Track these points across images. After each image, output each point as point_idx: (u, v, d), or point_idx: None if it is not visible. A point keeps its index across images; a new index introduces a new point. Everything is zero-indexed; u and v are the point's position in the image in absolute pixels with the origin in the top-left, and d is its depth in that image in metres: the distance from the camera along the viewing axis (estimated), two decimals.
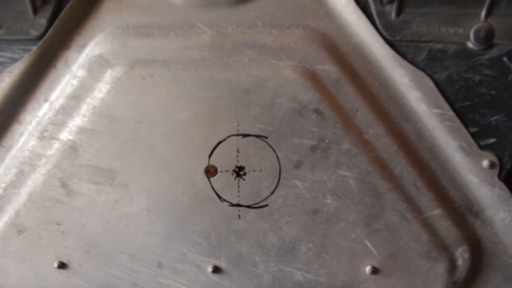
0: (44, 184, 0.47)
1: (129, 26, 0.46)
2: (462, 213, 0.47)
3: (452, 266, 0.47)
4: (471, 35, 0.43)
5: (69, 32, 0.46)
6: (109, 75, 0.45)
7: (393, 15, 0.43)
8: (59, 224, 0.48)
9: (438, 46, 0.44)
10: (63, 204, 0.47)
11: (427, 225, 0.46)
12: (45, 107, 0.47)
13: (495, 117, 0.45)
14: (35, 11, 0.44)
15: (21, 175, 0.47)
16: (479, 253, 0.48)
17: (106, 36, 0.46)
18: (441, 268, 0.47)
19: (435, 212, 0.46)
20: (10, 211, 0.48)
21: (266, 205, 0.46)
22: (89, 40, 0.46)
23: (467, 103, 0.45)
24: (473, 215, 0.47)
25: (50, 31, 0.45)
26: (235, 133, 0.45)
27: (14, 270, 0.49)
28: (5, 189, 0.48)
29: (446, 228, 0.46)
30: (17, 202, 0.47)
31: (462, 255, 0.47)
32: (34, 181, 0.47)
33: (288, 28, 0.45)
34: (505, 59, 0.43)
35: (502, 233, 0.47)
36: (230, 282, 0.48)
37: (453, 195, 0.47)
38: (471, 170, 0.46)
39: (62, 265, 0.49)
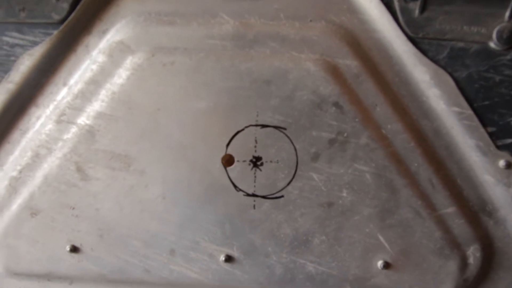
0: (60, 168, 0.47)
1: (151, 13, 0.46)
2: (476, 212, 0.47)
3: (464, 264, 0.47)
4: (494, 35, 0.43)
5: (90, 18, 0.46)
6: (129, 62, 0.45)
7: (417, 12, 0.43)
8: (73, 208, 0.48)
9: (460, 44, 0.44)
10: (78, 188, 0.47)
11: (441, 222, 0.46)
12: (63, 91, 0.47)
13: None
14: None
15: (36, 158, 0.47)
16: (490, 252, 0.48)
17: (127, 23, 0.46)
18: (452, 265, 0.47)
19: (449, 210, 0.46)
20: (24, 193, 0.48)
21: (282, 196, 0.46)
22: (110, 26, 0.46)
23: (486, 102, 0.45)
24: (486, 215, 0.47)
25: (72, 15, 0.45)
26: (254, 123, 0.45)
27: (26, 253, 0.49)
28: (20, 172, 0.48)
29: (459, 226, 0.47)
30: (32, 184, 0.47)
31: (474, 254, 0.47)
32: (49, 164, 0.47)
33: (310, 21, 0.45)
34: None
35: None
36: (242, 272, 0.48)
37: (467, 193, 0.47)
38: (487, 170, 0.46)
39: (74, 249, 0.49)
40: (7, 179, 0.48)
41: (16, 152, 0.48)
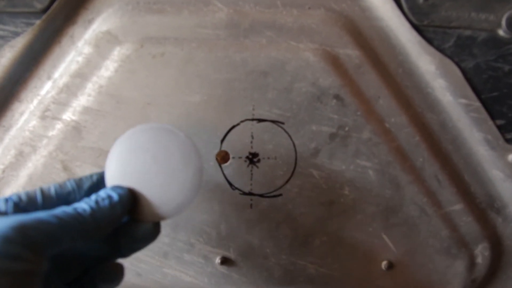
0: (45, 167, 0.44)
1: (140, 2, 0.43)
2: (484, 209, 0.45)
3: (472, 263, 0.45)
4: (503, 22, 0.41)
5: (75, 6, 0.44)
6: (117, 53, 0.43)
7: None
8: None
9: (467, 32, 0.42)
10: None
11: (447, 220, 0.45)
12: (48, 85, 0.45)
13: None
14: None
15: (20, 157, 0.45)
16: (499, 251, 0.46)
17: (115, 12, 0.43)
18: (460, 265, 0.45)
19: (456, 207, 0.44)
20: (8, 194, 0.45)
21: (280, 195, 0.44)
22: (96, 15, 0.44)
23: (495, 94, 0.43)
24: (494, 211, 0.45)
25: (55, 4, 0.42)
26: (250, 117, 0.43)
27: None
28: (3, 171, 0.45)
29: (467, 224, 0.45)
30: (16, 185, 0.45)
31: (482, 253, 0.45)
32: (34, 163, 0.45)
33: (309, 8, 0.43)
34: None
35: None
36: (239, 275, 0.46)
37: (475, 189, 0.45)
38: (495, 164, 0.44)
39: None
40: None
41: None
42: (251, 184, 0.44)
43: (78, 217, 0.31)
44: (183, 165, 0.36)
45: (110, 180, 0.36)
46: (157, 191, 0.35)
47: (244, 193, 0.44)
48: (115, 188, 0.35)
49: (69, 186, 0.35)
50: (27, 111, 0.45)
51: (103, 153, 0.44)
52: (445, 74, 0.42)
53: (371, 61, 0.43)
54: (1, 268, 0.26)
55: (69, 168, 0.45)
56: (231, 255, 0.46)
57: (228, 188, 0.44)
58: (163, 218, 0.36)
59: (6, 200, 0.32)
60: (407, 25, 0.42)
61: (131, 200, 0.35)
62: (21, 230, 0.27)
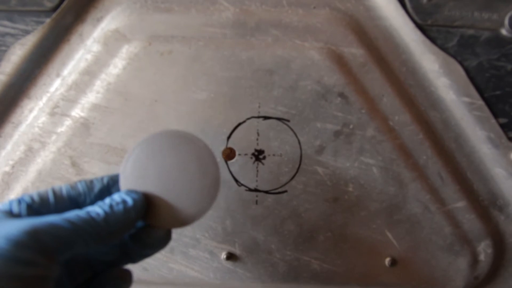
0: (54, 162, 0.45)
1: (148, 0, 0.44)
2: (486, 206, 0.46)
3: (474, 260, 0.46)
4: (506, 22, 0.41)
5: (84, 5, 0.44)
6: (125, 51, 0.43)
7: None
8: None
9: (470, 32, 0.42)
10: None
11: (450, 217, 0.45)
12: (57, 82, 0.45)
13: None
14: None
15: (29, 152, 0.46)
16: (502, 248, 0.46)
17: (123, 10, 0.44)
18: (463, 262, 0.46)
19: (459, 204, 0.45)
20: (17, 189, 0.46)
21: (285, 191, 0.45)
22: (105, 14, 0.44)
23: (498, 92, 0.43)
24: (497, 209, 0.46)
25: (64, 3, 0.43)
26: (256, 115, 0.44)
27: None
28: (12, 166, 0.46)
29: (470, 221, 0.45)
30: (25, 180, 0.46)
31: (485, 250, 0.45)
32: (43, 158, 0.45)
33: (314, 8, 0.43)
34: None
35: None
36: (244, 270, 0.46)
37: (478, 187, 0.45)
38: (498, 162, 0.44)
39: None
40: None
41: (8, 146, 0.46)
42: (256, 181, 0.45)
43: (91, 221, 0.30)
44: (201, 174, 0.35)
45: (125, 183, 0.35)
46: (173, 198, 0.34)
47: (250, 190, 0.45)
48: (129, 192, 0.34)
49: (80, 188, 0.34)
50: (37, 107, 0.46)
51: (111, 149, 0.45)
52: (449, 72, 0.43)
53: (375, 60, 0.43)
54: (13, 273, 0.26)
55: (78, 164, 0.45)
56: (236, 250, 0.46)
57: (234, 185, 0.45)
58: (176, 226, 0.35)
59: (19, 201, 0.31)
60: (411, 24, 0.42)
61: (145, 206, 0.34)
62: (34, 235, 0.27)
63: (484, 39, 0.42)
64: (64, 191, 0.33)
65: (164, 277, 0.47)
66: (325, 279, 0.47)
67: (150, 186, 0.34)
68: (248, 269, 0.46)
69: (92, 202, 0.34)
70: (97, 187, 0.34)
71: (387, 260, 0.46)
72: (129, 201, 0.32)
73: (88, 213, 0.30)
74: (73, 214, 0.30)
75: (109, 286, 0.34)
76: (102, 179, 0.35)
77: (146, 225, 0.35)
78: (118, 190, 0.35)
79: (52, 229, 0.28)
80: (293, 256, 0.46)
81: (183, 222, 0.34)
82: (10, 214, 0.30)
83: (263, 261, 0.46)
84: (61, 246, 0.28)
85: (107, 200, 0.32)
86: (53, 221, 0.29)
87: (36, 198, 0.32)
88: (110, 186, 0.35)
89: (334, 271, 0.46)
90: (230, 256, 0.46)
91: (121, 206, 0.32)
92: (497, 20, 0.41)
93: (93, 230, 0.30)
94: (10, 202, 0.31)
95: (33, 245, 0.27)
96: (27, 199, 0.31)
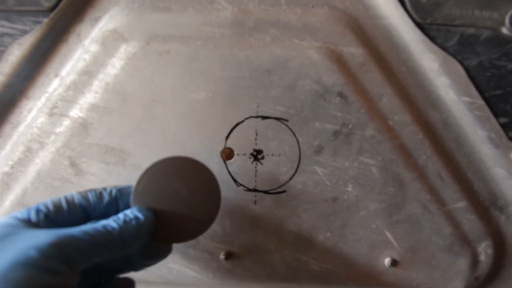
0: (53, 163, 0.45)
1: (146, 0, 0.44)
2: (487, 207, 0.45)
3: (475, 261, 0.45)
4: (507, 20, 0.41)
5: (82, 5, 0.44)
6: (123, 51, 0.43)
7: None
8: None
9: (471, 30, 0.42)
10: (71, 183, 0.45)
11: (450, 217, 0.45)
12: (55, 82, 0.45)
13: None
14: None
15: (28, 153, 0.46)
16: (502, 249, 0.46)
17: (121, 10, 0.44)
18: (463, 263, 0.45)
19: (459, 205, 0.45)
20: (17, 189, 0.46)
21: (284, 191, 0.45)
22: (103, 14, 0.44)
23: (498, 92, 0.43)
24: (497, 209, 0.45)
25: (62, 2, 0.43)
26: (254, 114, 0.43)
27: None
28: (12, 167, 0.46)
29: (470, 221, 0.45)
30: (24, 180, 0.46)
31: (485, 251, 0.45)
32: (42, 159, 0.45)
33: (313, 7, 0.43)
34: None
35: None
36: (243, 270, 0.46)
37: (478, 187, 0.45)
38: (498, 162, 0.44)
39: None
40: None
41: (8, 147, 0.47)
42: (255, 181, 0.45)
43: (107, 235, 0.33)
44: (204, 196, 0.39)
45: (136, 200, 0.38)
46: (178, 216, 0.38)
47: (249, 190, 0.45)
48: (141, 209, 0.37)
49: (91, 198, 0.36)
50: (35, 108, 0.46)
51: (110, 150, 0.45)
52: (448, 72, 0.43)
53: (374, 59, 0.43)
54: (42, 281, 0.28)
55: (76, 164, 0.45)
56: (235, 250, 0.46)
57: (232, 185, 0.45)
58: (179, 241, 0.39)
59: (37, 211, 0.34)
60: (410, 23, 0.42)
61: (154, 222, 0.37)
62: (58, 247, 0.29)
63: (485, 38, 0.42)
64: (76, 201, 0.36)
65: (164, 277, 0.47)
66: (324, 279, 0.46)
67: (159, 204, 0.38)
68: (247, 269, 0.46)
69: (101, 212, 0.36)
70: (106, 198, 0.37)
71: (386, 261, 0.46)
72: (141, 217, 0.35)
73: (104, 227, 0.33)
74: (91, 228, 0.33)
75: None
76: (110, 191, 0.37)
77: (152, 239, 0.38)
78: (125, 202, 0.38)
79: (73, 241, 0.31)
80: (292, 256, 0.46)
81: (185, 238, 0.39)
82: (29, 222, 0.33)
83: (262, 261, 0.46)
84: (81, 257, 0.31)
85: (121, 216, 0.35)
86: (74, 233, 0.31)
87: (51, 207, 0.34)
88: (118, 198, 0.38)
89: (333, 271, 0.46)
90: (229, 256, 0.46)
91: (134, 222, 0.35)
92: (497, 19, 0.41)
93: (109, 243, 0.33)
94: (28, 211, 0.33)
95: (58, 256, 0.29)
96: (43, 208, 0.34)
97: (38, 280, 0.28)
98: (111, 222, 0.34)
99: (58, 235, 0.30)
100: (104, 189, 0.38)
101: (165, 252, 0.39)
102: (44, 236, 0.30)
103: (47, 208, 0.34)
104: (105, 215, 0.36)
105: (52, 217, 0.34)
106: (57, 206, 0.35)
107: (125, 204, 0.38)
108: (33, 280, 0.28)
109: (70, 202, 0.35)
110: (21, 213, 0.33)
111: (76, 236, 0.31)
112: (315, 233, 0.45)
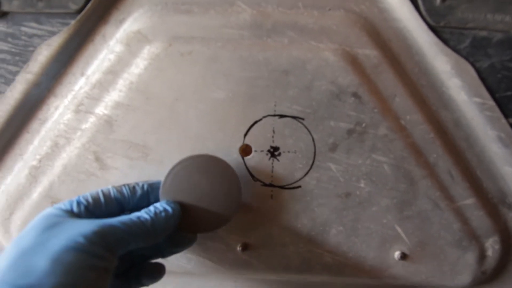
0: (78, 157, 0.47)
1: (168, 3, 0.45)
2: (495, 204, 0.47)
3: (482, 256, 0.47)
4: None
5: (107, 7, 0.46)
6: (147, 51, 0.45)
7: (438, 0, 0.42)
8: None
9: (483, 33, 0.43)
10: (96, 177, 0.48)
11: (459, 214, 0.46)
12: (81, 81, 0.47)
13: None
14: None
15: (55, 148, 0.48)
16: (509, 245, 0.48)
17: (145, 12, 0.45)
18: (470, 257, 0.47)
19: (468, 202, 0.46)
20: (44, 182, 0.48)
21: (299, 187, 0.46)
22: (127, 16, 0.46)
23: (509, 93, 0.44)
24: (506, 207, 0.47)
25: (88, 5, 0.45)
26: (272, 113, 0.45)
27: None
28: (40, 161, 0.48)
29: (478, 218, 0.46)
30: (52, 174, 0.48)
31: (492, 246, 0.47)
32: (68, 154, 0.47)
33: (329, 10, 0.44)
34: None
35: None
36: (258, 261, 0.48)
37: (487, 185, 0.46)
38: (508, 161, 0.45)
39: None
40: (27, 168, 0.49)
41: (36, 142, 0.49)
42: (271, 176, 0.46)
43: (141, 225, 0.36)
44: (226, 191, 0.43)
45: (164, 193, 0.42)
46: (202, 209, 0.42)
47: (265, 185, 0.47)
48: (169, 202, 0.41)
49: (125, 192, 0.40)
50: (62, 105, 0.48)
51: (133, 145, 0.47)
52: (460, 73, 0.44)
53: (388, 61, 0.44)
54: (90, 264, 0.32)
55: (101, 159, 0.47)
56: (251, 242, 0.48)
57: (250, 180, 0.47)
58: (203, 231, 0.43)
59: (78, 203, 0.37)
60: (424, 26, 0.43)
61: (181, 214, 0.41)
62: (101, 235, 0.33)
63: (497, 41, 0.43)
64: (112, 194, 0.39)
65: (183, 267, 0.49)
66: (336, 271, 0.48)
67: (185, 197, 0.42)
68: (262, 260, 0.48)
69: (134, 205, 0.40)
70: (138, 192, 0.41)
71: (396, 254, 0.47)
72: (170, 210, 0.39)
73: (138, 218, 0.37)
74: (127, 218, 0.36)
75: (146, 275, 0.41)
76: (143, 186, 0.41)
77: (179, 229, 0.42)
78: (155, 196, 0.42)
79: (113, 230, 0.35)
80: (306, 248, 0.48)
81: (209, 229, 0.43)
82: (72, 213, 0.37)
83: (277, 253, 0.48)
84: (120, 244, 0.35)
85: (152, 208, 0.39)
86: (113, 223, 0.35)
87: (90, 200, 0.38)
88: (149, 192, 0.41)
89: (345, 263, 0.48)
90: (246, 248, 0.48)
91: (163, 214, 0.39)
92: (509, 21, 0.42)
93: (142, 232, 0.36)
94: (70, 203, 0.38)
95: (101, 242, 0.33)
96: (83, 201, 0.38)
97: (85, 263, 0.32)
98: (143, 214, 0.38)
99: (100, 225, 0.34)
100: (137, 184, 0.41)
101: (191, 241, 0.43)
102: (88, 225, 0.34)
103: (87, 200, 0.38)
104: (138, 208, 0.40)
105: (91, 209, 0.38)
106: (96, 199, 0.38)
107: (155, 197, 0.41)
108: (81, 263, 0.31)
109: (106, 196, 0.39)
110: (65, 205, 0.37)
111: (115, 226, 0.35)
112: (328, 227, 0.47)
